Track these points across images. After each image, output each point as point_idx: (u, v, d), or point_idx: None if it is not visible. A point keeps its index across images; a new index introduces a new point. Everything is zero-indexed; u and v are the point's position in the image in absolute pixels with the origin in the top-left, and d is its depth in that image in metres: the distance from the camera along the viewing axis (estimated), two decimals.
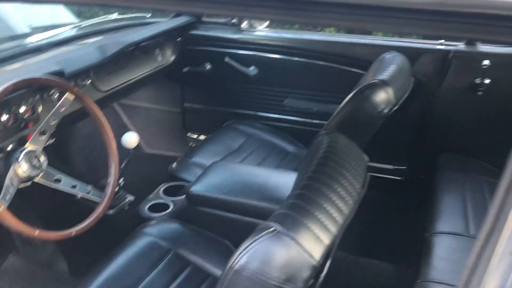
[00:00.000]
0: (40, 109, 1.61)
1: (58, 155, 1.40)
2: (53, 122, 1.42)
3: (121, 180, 1.81)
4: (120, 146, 1.70)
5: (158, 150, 2.68)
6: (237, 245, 1.62)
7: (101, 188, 1.70)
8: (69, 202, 1.63)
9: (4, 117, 1.49)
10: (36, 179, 1.36)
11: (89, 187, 1.46)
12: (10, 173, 1.29)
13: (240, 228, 1.54)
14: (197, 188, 1.58)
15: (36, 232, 1.24)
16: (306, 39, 2.25)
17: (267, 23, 2.39)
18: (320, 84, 2.25)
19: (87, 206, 1.59)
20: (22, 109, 1.54)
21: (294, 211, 0.87)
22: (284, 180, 1.57)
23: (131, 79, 2.11)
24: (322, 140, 1.17)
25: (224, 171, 1.67)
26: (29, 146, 1.36)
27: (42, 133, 1.39)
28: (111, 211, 1.80)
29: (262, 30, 2.38)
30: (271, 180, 1.58)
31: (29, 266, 1.92)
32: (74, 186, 1.43)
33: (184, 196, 1.76)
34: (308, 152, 1.32)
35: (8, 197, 1.25)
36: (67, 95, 1.45)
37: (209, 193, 1.57)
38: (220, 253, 1.55)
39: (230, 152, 2.13)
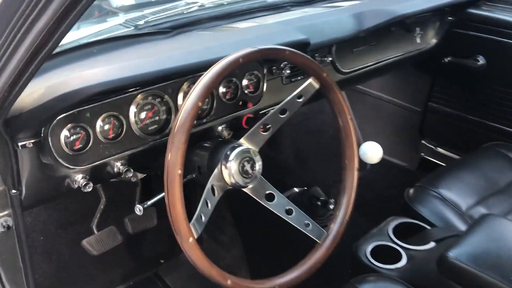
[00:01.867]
0: (264, 86, 1.22)
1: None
2: (284, 115, 0.98)
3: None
4: None
5: None
6: None
7: (307, 202, 1.26)
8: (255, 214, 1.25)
9: (222, 89, 1.13)
10: (245, 190, 0.96)
11: (309, 220, 1.00)
12: (213, 175, 0.91)
13: None
14: (460, 256, 1.01)
15: (229, 282, 0.85)
16: None
17: None
18: None
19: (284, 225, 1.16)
20: (244, 83, 1.18)
21: None
22: None
23: (378, 62, 1.61)
24: None
25: (508, 237, 1.06)
26: (244, 143, 0.96)
27: (266, 128, 0.97)
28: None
29: None
30: None
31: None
32: (288, 212, 0.99)
33: (427, 247, 1.21)
34: None
35: (203, 218, 0.87)
36: (311, 80, 0.99)
37: (482, 271, 0.98)
38: None
39: (493, 191, 1.47)
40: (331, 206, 1.36)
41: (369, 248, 1.25)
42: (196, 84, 0.85)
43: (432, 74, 1.94)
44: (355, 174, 1.03)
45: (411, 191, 1.46)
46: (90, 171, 0.99)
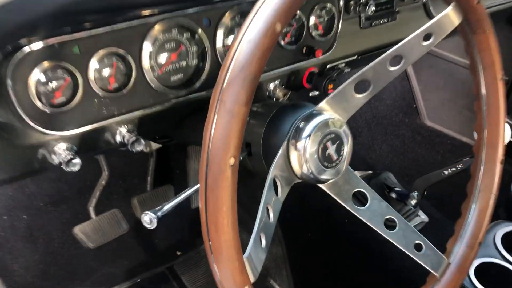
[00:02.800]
0: (340, 24, 0.85)
1: None
2: (395, 68, 0.59)
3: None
4: None
5: (443, 127, 1.78)
6: None
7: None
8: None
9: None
10: (322, 186, 0.59)
11: (422, 241, 0.62)
12: (276, 162, 0.54)
13: None
14: None
15: None
16: None
17: None
18: None
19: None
20: (312, 21, 0.83)
21: None
22: None
23: None
24: None
25: None
26: (327, 109, 0.58)
27: (361, 88, 0.58)
28: None
29: None
30: None
31: None
32: (390, 224, 0.61)
33: None
34: None
35: (264, 242, 0.50)
36: (452, 10, 0.60)
37: None
38: None
39: None
40: (413, 202, 1.01)
41: (472, 266, 0.89)
42: None
43: None
44: (498, 168, 0.66)
45: None
46: (79, 140, 0.64)
